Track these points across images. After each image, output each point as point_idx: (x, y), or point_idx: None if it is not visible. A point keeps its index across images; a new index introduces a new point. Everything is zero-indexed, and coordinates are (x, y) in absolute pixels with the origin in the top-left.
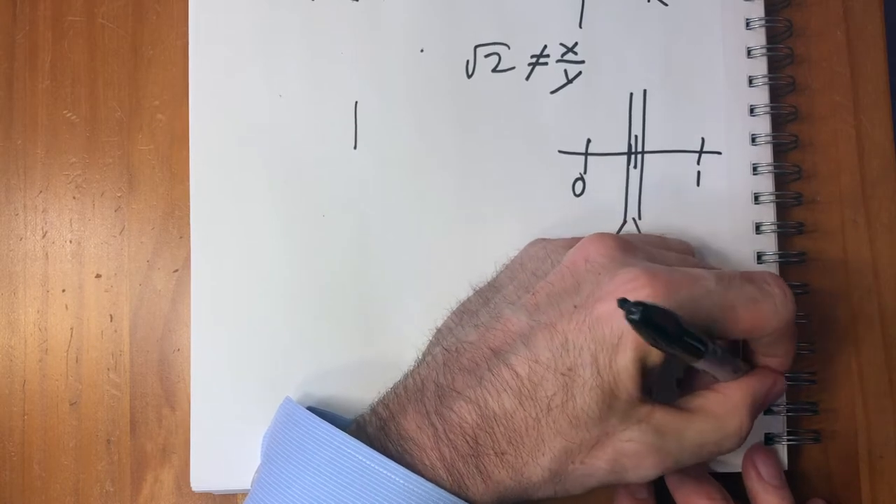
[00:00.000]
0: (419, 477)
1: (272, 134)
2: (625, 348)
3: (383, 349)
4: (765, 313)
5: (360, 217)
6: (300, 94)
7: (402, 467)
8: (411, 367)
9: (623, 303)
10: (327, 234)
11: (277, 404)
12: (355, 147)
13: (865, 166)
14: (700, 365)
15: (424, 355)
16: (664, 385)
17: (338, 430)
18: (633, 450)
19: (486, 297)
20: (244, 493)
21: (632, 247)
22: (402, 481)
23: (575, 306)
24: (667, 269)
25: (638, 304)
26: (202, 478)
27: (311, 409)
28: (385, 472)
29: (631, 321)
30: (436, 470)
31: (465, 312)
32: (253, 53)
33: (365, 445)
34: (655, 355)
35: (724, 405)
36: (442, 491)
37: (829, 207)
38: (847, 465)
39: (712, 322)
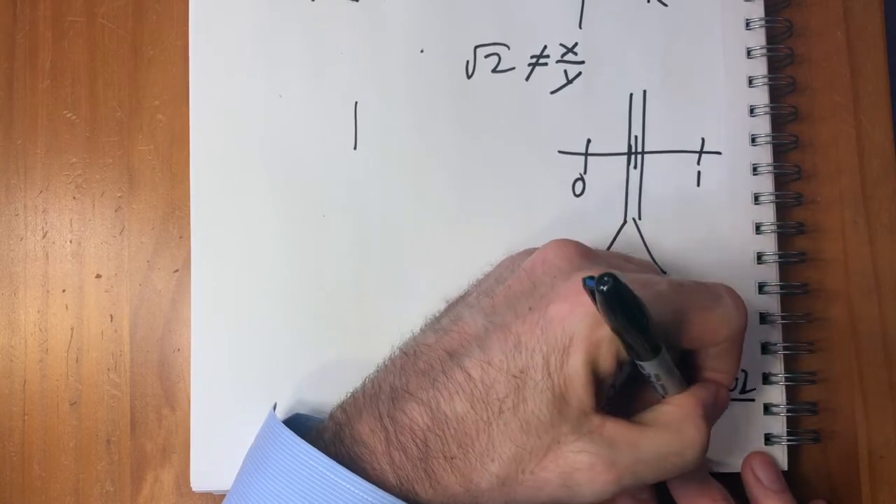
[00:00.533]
0: (367, 483)
1: (272, 134)
2: (576, 350)
3: (382, 349)
4: (716, 322)
5: (360, 217)
6: (300, 94)
7: (350, 473)
8: (371, 373)
9: (589, 280)
10: (327, 234)
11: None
12: (355, 147)
13: (865, 166)
14: (653, 369)
15: (383, 361)
16: (615, 404)
17: (297, 437)
18: (585, 462)
19: (451, 306)
20: None
21: (592, 253)
22: (350, 487)
23: (529, 308)
24: (620, 273)
25: (608, 273)
26: (202, 478)
27: (297, 415)
28: (335, 477)
29: (600, 293)
30: (385, 475)
31: (429, 320)
32: (253, 53)
33: (317, 451)
34: (607, 359)
35: (678, 415)
36: (389, 496)
37: (829, 207)
38: (847, 465)
39: (664, 327)
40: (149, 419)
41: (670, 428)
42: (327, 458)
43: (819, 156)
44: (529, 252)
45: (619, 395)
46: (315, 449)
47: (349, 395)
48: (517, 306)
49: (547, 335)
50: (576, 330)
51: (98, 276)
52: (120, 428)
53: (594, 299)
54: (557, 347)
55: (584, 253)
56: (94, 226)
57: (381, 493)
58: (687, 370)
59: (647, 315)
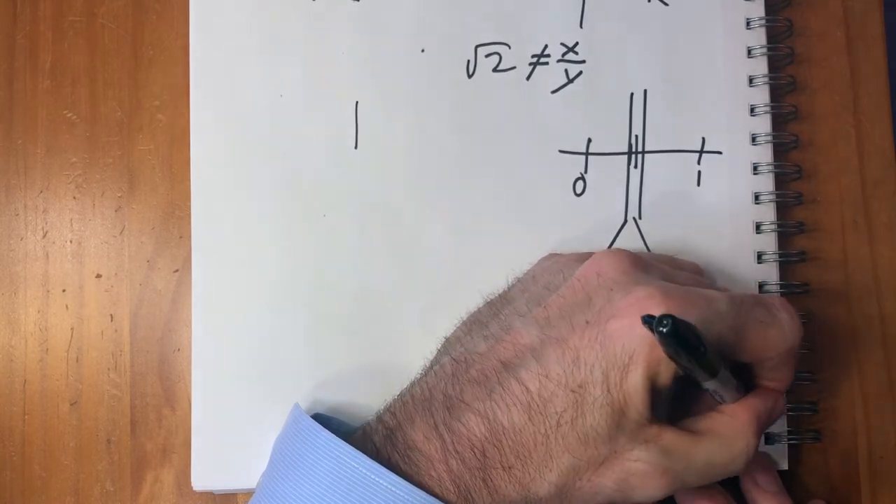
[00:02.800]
0: (422, 491)
1: (272, 134)
2: (636, 367)
3: (382, 349)
4: (773, 338)
5: (360, 217)
6: (300, 94)
7: (403, 481)
8: (418, 376)
9: (648, 318)
10: (327, 234)
11: (277, 404)
12: (355, 147)
13: (865, 166)
14: (711, 385)
15: (432, 364)
16: (672, 407)
17: (340, 440)
18: (641, 470)
19: (496, 309)
20: (245, 493)
21: (644, 263)
22: (404, 495)
23: (587, 322)
24: (681, 288)
25: (667, 316)
26: (202, 478)
27: (317, 415)
28: (387, 484)
29: (660, 334)
30: (443, 483)
31: (474, 323)
32: (253, 53)
33: (366, 457)
34: (665, 375)
35: (731, 426)
36: None
37: (829, 207)
38: (847, 465)
39: (722, 344)
40: (149, 419)
41: (723, 439)
42: (379, 465)
43: (819, 155)
44: (577, 259)
45: (676, 398)
46: (365, 456)
47: (397, 398)
48: (573, 319)
49: (606, 351)
50: (636, 347)
51: (98, 276)
52: (120, 428)
53: (652, 331)
54: (617, 364)
55: (636, 263)
56: (95, 226)
57: (435, 501)
58: (743, 375)
59: (706, 347)
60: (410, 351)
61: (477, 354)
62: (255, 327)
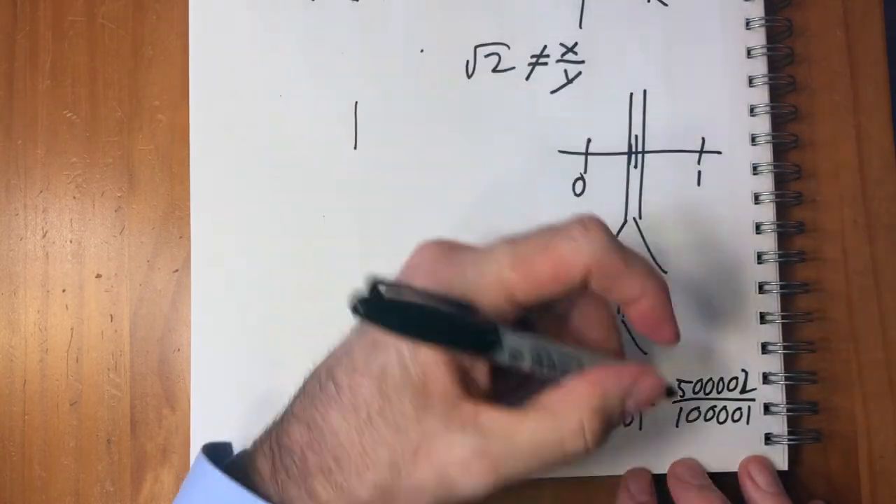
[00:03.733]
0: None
1: (272, 134)
2: None
3: None
4: (563, 252)
5: (360, 217)
6: (300, 94)
7: (244, 497)
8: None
9: (356, 295)
10: (327, 235)
11: (277, 405)
12: (355, 147)
13: (865, 166)
14: (509, 363)
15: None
16: (514, 385)
17: (210, 468)
18: (458, 456)
19: None
20: None
21: (456, 246)
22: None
23: None
24: (463, 244)
25: (359, 298)
26: None
27: (220, 445)
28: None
29: (358, 315)
30: (271, 499)
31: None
32: (253, 53)
33: (223, 478)
34: None
35: (563, 401)
36: None
37: (829, 207)
38: (847, 465)
39: (509, 287)
40: (149, 419)
41: (552, 416)
42: (231, 485)
43: (819, 155)
44: None
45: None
46: (224, 478)
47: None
48: None
49: None
50: None
51: (98, 276)
52: (120, 428)
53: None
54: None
55: (447, 247)
56: (94, 226)
57: None
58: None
59: (435, 317)
60: None
61: (315, 368)
62: (255, 327)
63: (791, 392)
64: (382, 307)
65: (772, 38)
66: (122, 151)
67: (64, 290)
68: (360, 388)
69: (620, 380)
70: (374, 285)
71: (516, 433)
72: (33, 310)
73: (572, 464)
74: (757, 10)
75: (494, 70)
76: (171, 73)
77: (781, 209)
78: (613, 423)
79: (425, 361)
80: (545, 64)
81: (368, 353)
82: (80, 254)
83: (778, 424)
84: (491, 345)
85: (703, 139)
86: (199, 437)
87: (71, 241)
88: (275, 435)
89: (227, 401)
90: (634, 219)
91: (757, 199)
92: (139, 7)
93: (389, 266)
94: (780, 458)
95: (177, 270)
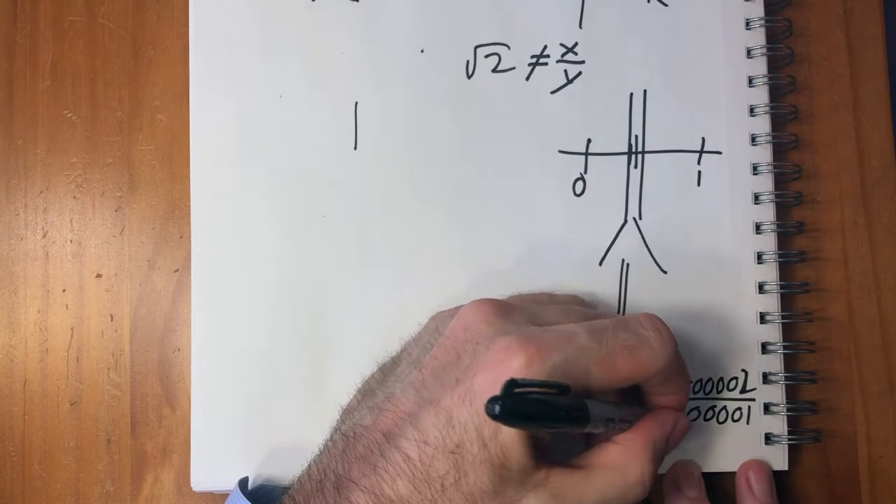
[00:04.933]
0: None
1: (272, 134)
2: None
3: (382, 349)
4: (642, 358)
5: (360, 217)
6: (300, 94)
7: None
8: (315, 453)
9: (490, 402)
10: (327, 235)
11: (277, 405)
12: (355, 147)
13: (865, 166)
14: (590, 429)
15: (326, 441)
16: (566, 441)
17: None
18: None
19: (384, 373)
20: None
21: (510, 309)
22: None
23: (457, 379)
24: (540, 331)
25: (494, 398)
26: (202, 478)
27: (263, 486)
28: None
29: (494, 418)
30: None
31: (366, 392)
32: (253, 53)
33: None
34: None
35: (623, 456)
36: None
37: (829, 207)
38: (847, 465)
39: (590, 378)
40: (149, 419)
41: (615, 471)
42: None
43: (819, 155)
44: (451, 314)
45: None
46: None
47: (296, 479)
48: (444, 378)
49: (476, 407)
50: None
51: (98, 276)
52: (120, 428)
53: (492, 417)
54: (488, 419)
55: (500, 311)
56: (95, 226)
57: None
58: (641, 396)
59: (558, 407)
60: None
61: (363, 428)
62: (255, 327)
63: (791, 392)
64: (513, 410)
65: (772, 38)
66: (122, 151)
67: (64, 290)
68: (434, 461)
69: (664, 429)
70: (510, 386)
71: (585, 492)
72: (33, 310)
73: None
74: (757, 10)
75: (494, 70)
76: (171, 73)
77: (781, 209)
78: (659, 464)
79: (505, 441)
80: (545, 64)
81: (441, 428)
82: (80, 254)
83: (778, 424)
84: (584, 419)
85: (703, 139)
86: (199, 437)
87: (71, 241)
88: (331, 499)
89: (227, 401)
90: (634, 219)
91: (757, 199)
92: (139, 7)
93: (389, 266)
94: (779, 458)
95: (177, 270)
